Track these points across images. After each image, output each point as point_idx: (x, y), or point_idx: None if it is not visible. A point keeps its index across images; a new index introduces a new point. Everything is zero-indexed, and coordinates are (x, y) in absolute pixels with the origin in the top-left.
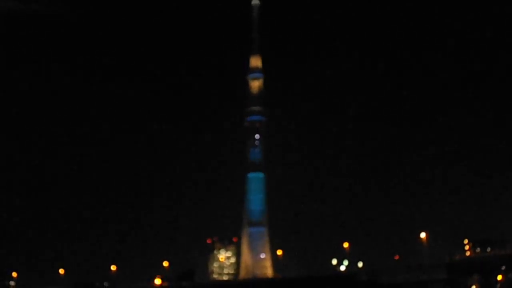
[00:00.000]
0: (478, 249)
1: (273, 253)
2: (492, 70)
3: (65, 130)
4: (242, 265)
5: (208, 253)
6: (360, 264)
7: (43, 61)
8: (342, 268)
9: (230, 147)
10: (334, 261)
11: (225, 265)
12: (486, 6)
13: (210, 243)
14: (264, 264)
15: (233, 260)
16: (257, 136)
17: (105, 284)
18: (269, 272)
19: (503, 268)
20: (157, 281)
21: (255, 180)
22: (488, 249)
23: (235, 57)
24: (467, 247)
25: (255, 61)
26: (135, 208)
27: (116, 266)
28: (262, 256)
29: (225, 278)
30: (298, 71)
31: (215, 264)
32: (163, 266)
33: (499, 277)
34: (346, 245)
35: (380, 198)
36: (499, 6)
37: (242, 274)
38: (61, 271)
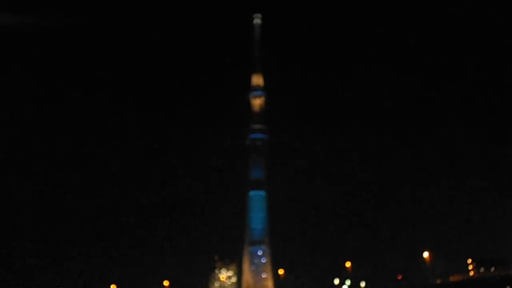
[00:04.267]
0: (481, 269)
1: (275, 272)
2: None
3: (62, 145)
4: (244, 284)
5: (209, 272)
6: (362, 284)
7: (39, 73)
8: None
9: (231, 165)
10: (336, 281)
11: (226, 285)
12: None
13: (211, 262)
14: (266, 284)
15: (234, 279)
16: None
17: None
18: None
19: None
20: None
21: (257, 199)
22: (492, 269)
23: (236, 75)
24: (470, 267)
25: (257, 79)
26: (135, 226)
27: (116, 285)
28: (264, 275)
29: None
30: (300, 89)
31: (216, 284)
32: (164, 286)
33: None
34: (348, 264)
35: (383, 217)
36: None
37: None
38: None
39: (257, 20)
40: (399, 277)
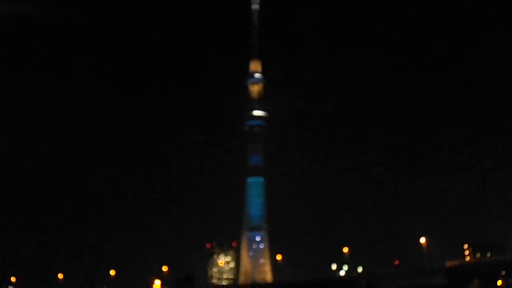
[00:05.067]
0: (478, 254)
1: (273, 258)
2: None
3: (64, 133)
4: (242, 270)
5: (207, 258)
6: (359, 269)
7: (40, 64)
8: (342, 273)
9: (229, 152)
10: (334, 266)
11: (224, 270)
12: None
13: (210, 248)
14: (264, 269)
15: (232, 265)
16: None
17: None
18: (268, 277)
19: (503, 273)
20: (157, 286)
21: (255, 185)
22: (488, 254)
23: (235, 61)
24: (467, 252)
25: (255, 66)
26: (134, 213)
27: (116, 271)
28: (262, 261)
29: (224, 283)
30: (298, 75)
31: (215, 269)
32: (163, 271)
33: (499, 282)
34: (345, 250)
35: (379, 203)
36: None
37: (242, 279)
38: (60, 276)
39: (255, 6)
40: (396, 262)
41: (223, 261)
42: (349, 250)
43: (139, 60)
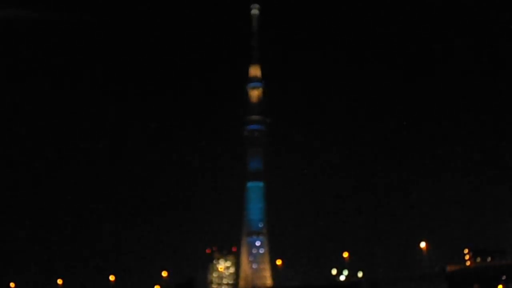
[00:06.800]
0: (478, 259)
1: (273, 263)
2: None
3: (64, 139)
4: (242, 275)
5: (207, 263)
6: (360, 274)
7: (43, 67)
8: (342, 278)
9: (229, 156)
10: (334, 271)
11: (224, 275)
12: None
13: (209, 253)
14: (264, 274)
15: (232, 270)
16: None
17: None
18: (268, 282)
19: (504, 278)
20: None
21: (255, 189)
22: (488, 259)
23: (234, 66)
24: (467, 257)
25: (255, 70)
26: (133, 217)
27: (115, 276)
28: (262, 266)
29: None
30: (298, 79)
31: (214, 274)
32: (162, 276)
33: (500, 287)
34: (346, 254)
35: (380, 207)
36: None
37: (242, 284)
38: (59, 281)
39: (255, 11)
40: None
41: (223, 266)
42: (349, 254)
43: (138, 65)
